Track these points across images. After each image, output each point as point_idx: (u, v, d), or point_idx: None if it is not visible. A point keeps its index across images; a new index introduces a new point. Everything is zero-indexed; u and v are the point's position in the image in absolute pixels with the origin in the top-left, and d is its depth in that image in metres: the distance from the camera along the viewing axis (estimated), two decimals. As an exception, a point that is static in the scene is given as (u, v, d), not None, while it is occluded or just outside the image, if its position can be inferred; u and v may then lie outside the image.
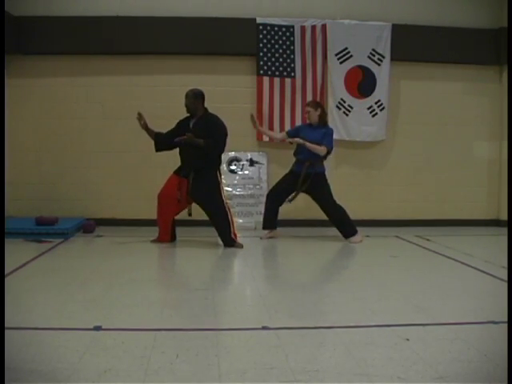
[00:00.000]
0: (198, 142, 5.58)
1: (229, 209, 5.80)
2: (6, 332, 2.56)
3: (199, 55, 7.30)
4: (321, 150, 6.08)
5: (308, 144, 6.03)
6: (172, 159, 7.44)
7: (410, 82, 7.61)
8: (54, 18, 7.04)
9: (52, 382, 2.35)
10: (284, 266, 5.34)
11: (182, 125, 5.83)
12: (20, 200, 7.17)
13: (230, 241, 5.77)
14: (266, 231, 6.36)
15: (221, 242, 5.84)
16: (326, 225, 7.38)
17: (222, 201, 5.74)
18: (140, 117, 5.73)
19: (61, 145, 7.26)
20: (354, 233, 6.24)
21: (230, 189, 7.06)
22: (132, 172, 7.32)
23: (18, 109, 7.10)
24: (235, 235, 5.82)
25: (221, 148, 5.75)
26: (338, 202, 6.26)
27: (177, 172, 5.85)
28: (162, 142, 5.87)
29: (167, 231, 5.94)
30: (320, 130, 6.17)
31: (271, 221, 6.32)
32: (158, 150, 5.97)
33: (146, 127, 5.80)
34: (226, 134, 5.76)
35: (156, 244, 5.91)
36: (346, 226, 6.26)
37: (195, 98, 5.72)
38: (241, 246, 5.74)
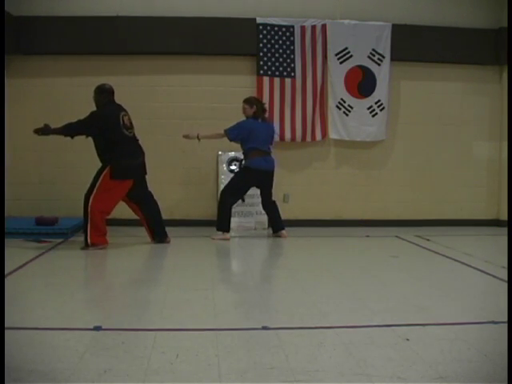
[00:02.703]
0: (46, 130, 5.49)
1: (92, 210, 5.49)
2: (6, 332, 2.56)
3: (199, 55, 7.30)
4: (217, 135, 6.29)
5: (207, 135, 6.36)
6: (171, 159, 7.46)
7: (410, 81, 7.61)
8: (54, 18, 7.05)
9: (52, 382, 2.35)
10: (284, 265, 5.33)
11: None
12: (20, 200, 7.17)
13: (85, 241, 5.54)
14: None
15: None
16: (326, 225, 7.41)
17: (87, 199, 5.52)
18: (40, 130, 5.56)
19: (61, 145, 7.23)
20: (220, 229, 6.29)
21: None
22: (132, 172, 7.31)
23: (18, 109, 7.10)
24: (92, 240, 5.50)
25: (77, 127, 5.51)
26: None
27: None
28: None
29: (147, 229, 5.99)
30: None
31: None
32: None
33: (52, 131, 5.59)
34: (93, 117, 5.56)
35: (156, 244, 5.90)
36: (219, 217, 6.32)
37: (99, 93, 5.71)
38: (87, 248, 5.49)
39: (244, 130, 6.21)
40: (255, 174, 6.24)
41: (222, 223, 6.29)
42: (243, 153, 6.36)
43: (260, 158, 6.24)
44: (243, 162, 6.39)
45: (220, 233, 6.29)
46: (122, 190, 5.69)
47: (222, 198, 6.37)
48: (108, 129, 5.56)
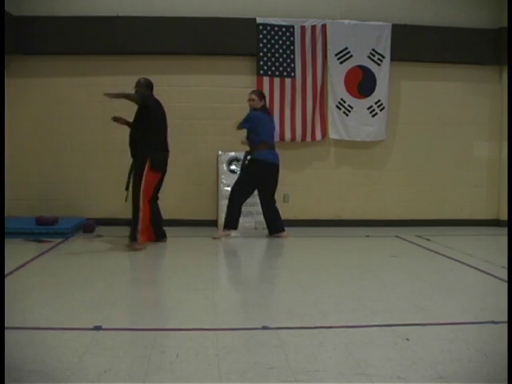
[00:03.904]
0: (119, 94, 5.55)
1: (143, 204, 5.52)
2: (7, 332, 2.56)
3: (199, 55, 7.30)
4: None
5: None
6: (171, 159, 7.46)
7: (410, 82, 7.61)
8: (54, 18, 7.05)
9: (52, 382, 2.35)
10: (284, 265, 5.33)
11: None
12: (20, 200, 7.17)
13: (131, 236, 5.56)
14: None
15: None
16: (326, 225, 7.41)
17: (137, 193, 5.51)
18: (116, 119, 5.85)
19: (61, 145, 7.27)
20: (226, 227, 6.32)
21: (230, 189, 7.04)
22: (132, 172, 7.31)
23: (18, 109, 7.10)
24: (140, 235, 5.52)
25: (142, 99, 5.64)
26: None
27: None
28: None
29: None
30: None
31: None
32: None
33: (126, 122, 5.88)
34: (149, 97, 5.73)
35: (155, 244, 5.89)
36: (227, 215, 6.36)
37: (145, 86, 5.83)
38: (134, 249, 5.47)
39: (253, 119, 6.27)
40: (262, 166, 6.27)
41: (229, 221, 6.30)
42: (249, 145, 6.36)
43: (267, 151, 6.29)
44: (249, 156, 6.37)
45: (224, 231, 6.30)
46: (158, 180, 5.78)
47: (231, 197, 6.37)
48: (155, 115, 5.68)
